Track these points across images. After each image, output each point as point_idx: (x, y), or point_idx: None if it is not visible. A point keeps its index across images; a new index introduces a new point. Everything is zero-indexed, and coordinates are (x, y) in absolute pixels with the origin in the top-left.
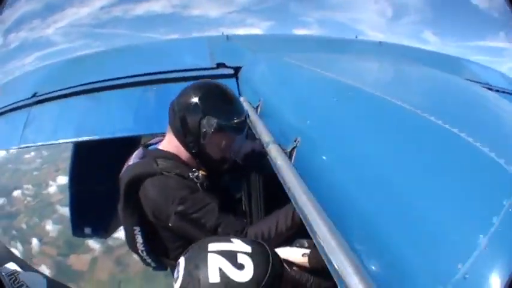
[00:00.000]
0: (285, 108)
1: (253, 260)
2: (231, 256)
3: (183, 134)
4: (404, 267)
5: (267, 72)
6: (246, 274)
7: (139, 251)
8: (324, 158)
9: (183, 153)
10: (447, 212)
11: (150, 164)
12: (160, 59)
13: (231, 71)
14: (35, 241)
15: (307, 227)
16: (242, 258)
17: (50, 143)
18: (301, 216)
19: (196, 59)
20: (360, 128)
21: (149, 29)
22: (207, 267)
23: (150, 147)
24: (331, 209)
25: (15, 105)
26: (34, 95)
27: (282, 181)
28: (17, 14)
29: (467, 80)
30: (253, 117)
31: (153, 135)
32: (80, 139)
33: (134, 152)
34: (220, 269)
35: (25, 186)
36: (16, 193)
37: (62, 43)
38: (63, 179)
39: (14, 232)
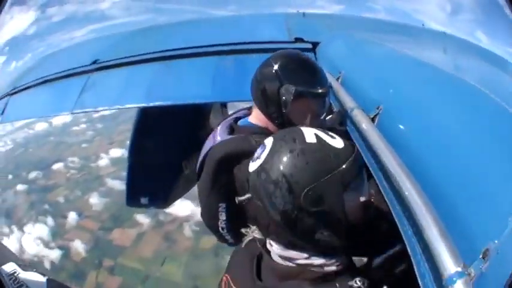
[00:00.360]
0: (366, 80)
1: (342, 139)
2: (324, 131)
3: (265, 105)
4: (463, 222)
5: (345, 47)
6: (339, 143)
7: (220, 228)
8: (402, 127)
9: (270, 126)
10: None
11: (248, 141)
12: (237, 31)
13: (309, 46)
14: (72, 215)
15: (395, 185)
16: (333, 135)
17: (114, 107)
18: (389, 175)
19: (274, 32)
20: (437, 101)
21: (217, 6)
22: (302, 132)
23: (240, 122)
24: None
25: (71, 72)
26: (94, 62)
27: (365, 144)
28: None
29: None
30: (336, 86)
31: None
32: (151, 104)
33: (212, 124)
34: (316, 134)
35: (70, 159)
36: (56, 166)
37: (121, 17)
38: (118, 152)
39: (46, 206)
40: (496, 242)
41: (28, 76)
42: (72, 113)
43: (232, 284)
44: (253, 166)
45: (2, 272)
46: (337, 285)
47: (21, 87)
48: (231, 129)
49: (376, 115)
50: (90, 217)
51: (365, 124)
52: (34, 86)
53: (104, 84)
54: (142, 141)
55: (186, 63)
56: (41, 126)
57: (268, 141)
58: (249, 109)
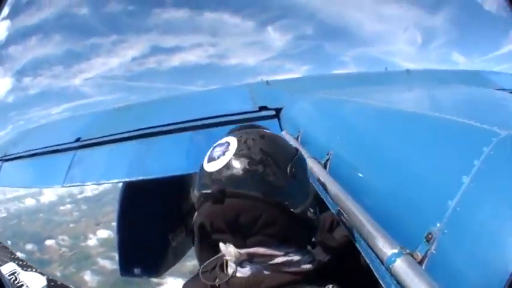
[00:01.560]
0: (320, 132)
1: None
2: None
3: None
4: (402, 216)
5: (304, 107)
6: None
7: None
8: (350, 164)
9: None
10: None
11: None
12: (205, 106)
13: (273, 112)
14: None
15: (340, 205)
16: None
17: (101, 182)
18: (334, 198)
19: (240, 104)
20: (380, 135)
21: (187, 81)
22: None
23: None
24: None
25: (56, 148)
26: (78, 140)
27: (320, 186)
28: (29, 55)
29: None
30: (295, 144)
31: None
32: (134, 179)
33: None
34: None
35: (60, 237)
36: (49, 242)
37: (94, 95)
38: (105, 233)
39: None
40: (439, 224)
41: (16, 147)
42: (63, 186)
43: None
44: (219, 163)
45: (2, 272)
46: (307, 286)
47: (12, 156)
48: None
49: (327, 160)
50: None
51: (316, 170)
52: (24, 157)
53: (89, 161)
54: (128, 216)
55: (162, 140)
56: (30, 202)
57: (229, 139)
58: None
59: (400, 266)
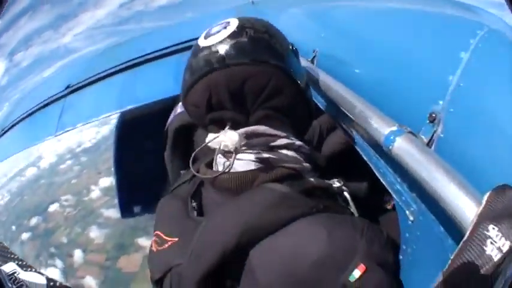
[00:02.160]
0: (305, 36)
1: None
2: None
3: None
4: (401, 97)
5: (290, 20)
6: None
7: None
8: (337, 58)
9: None
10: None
11: None
12: (193, 30)
13: None
14: (78, 252)
15: (334, 96)
16: None
17: (92, 120)
18: (331, 92)
19: None
20: (366, 29)
21: (176, 16)
22: None
23: None
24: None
25: (47, 101)
26: (67, 87)
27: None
28: (20, 34)
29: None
30: None
31: None
32: (124, 109)
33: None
34: None
35: (63, 197)
36: (53, 207)
37: (86, 47)
38: (107, 181)
39: (52, 249)
40: (441, 102)
41: (7, 120)
42: (55, 136)
43: (165, 237)
44: (221, 35)
45: (2, 272)
46: (312, 179)
47: (6, 128)
48: None
49: (313, 57)
50: (95, 251)
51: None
52: (13, 125)
53: (80, 104)
54: (124, 155)
55: (149, 67)
56: (31, 172)
57: (228, 19)
58: None
59: (401, 145)
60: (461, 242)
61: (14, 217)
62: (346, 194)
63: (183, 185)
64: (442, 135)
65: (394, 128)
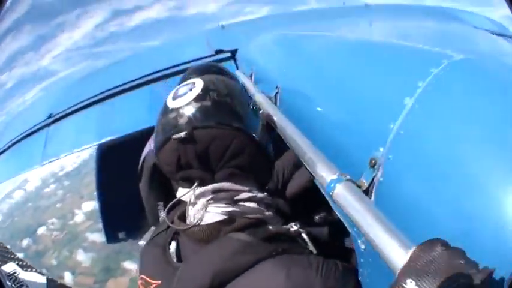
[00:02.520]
0: (269, 68)
1: None
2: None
3: None
4: (343, 144)
5: (256, 46)
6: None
7: None
8: (295, 95)
9: None
10: (376, 88)
11: None
12: (162, 59)
13: (229, 54)
14: (67, 275)
15: (287, 137)
16: None
17: (74, 151)
18: (284, 133)
19: (196, 50)
20: (329, 63)
21: (149, 37)
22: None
23: None
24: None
25: (31, 130)
26: (49, 116)
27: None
28: (5, 55)
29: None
30: (247, 82)
31: None
32: (103, 140)
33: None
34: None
35: (49, 221)
36: (41, 230)
37: (63, 70)
38: (90, 205)
39: (44, 271)
40: (382, 149)
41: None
42: (42, 165)
43: (150, 280)
44: (187, 97)
45: (2, 272)
46: (270, 227)
47: None
48: None
49: (276, 94)
50: (83, 273)
51: (266, 105)
52: (4, 150)
53: (61, 134)
54: (105, 182)
55: (124, 98)
56: (18, 194)
57: (193, 79)
58: None
59: (340, 192)
60: None
61: (7, 237)
62: (303, 235)
63: (162, 234)
64: (381, 179)
65: (335, 177)
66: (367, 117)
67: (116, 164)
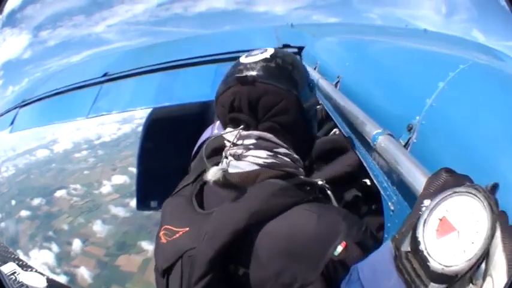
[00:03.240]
0: (332, 62)
1: None
2: None
3: None
4: (388, 112)
5: (323, 45)
6: None
7: None
8: (354, 82)
9: None
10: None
11: None
12: (232, 43)
13: (295, 50)
14: (77, 242)
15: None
16: None
17: (128, 109)
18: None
19: (264, 42)
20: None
21: (214, 27)
22: None
23: None
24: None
25: (81, 84)
26: (105, 75)
27: (330, 102)
28: (48, 11)
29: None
30: (312, 71)
31: None
32: (160, 105)
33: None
34: None
35: (72, 186)
36: (59, 193)
37: (118, 41)
38: (121, 178)
39: (50, 233)
40: (418, 118)
41: (36, 91)
42: (87, 118)
43: (176, 229)
44: (258, 57)
45: (2, 272)
46: (302, 177)
47: (31, 100)
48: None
49: (337, 82)
50: (95, 243)
51: (329, 90)
52: (45, 97)
53: (116, 92)
54: (150, 149)
55: (188, 71)
56: (42, 153)
57: (268, 48)
58: None
59: (383, 141)
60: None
61: (15, 191)
62: (328, 191)
63: (187, 187)
64: (415, 141)
65: (379, 130)
66: (409, 95)
67: (165, 133)
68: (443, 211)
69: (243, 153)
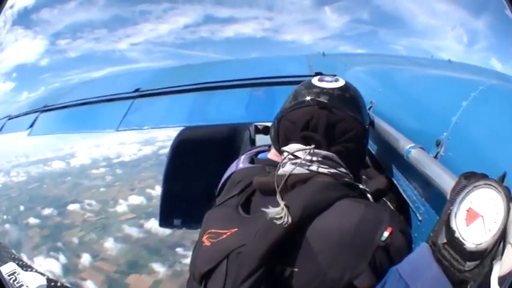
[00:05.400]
0: (365, 88)
1: None
2: None
3: None
4: (417, 127)
5: (354, 73)
6: None
7: None
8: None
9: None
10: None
11: (264, 170)
12: (265, 69)
13: None
14: (86, 256)
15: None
16: None
17: (160, 126)
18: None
19: (297, 68)
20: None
21: (241, 53)
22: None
23: (259, 155)
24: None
25: (112, 97)
26: (136, 90)
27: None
28: (67, 19)
29: None
30: None
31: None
32: (192, 124)
33: (237, 157)
34: None
35: (87, 201)
36: (73, 207)
37: (143, 61)
38: (138, 199)
39: (59, 244)
40: (445, 134)
41: (58, 99)
42: (117, 130)
43: (222, 231)
44: (334, 84)
45: (2, 272)
46: (347, 179)
47: (54, 106)
48: (251, 160)
49: (370, 107)
50: (106, 260)
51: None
52: (71, 106)
53: (148, 108)
54: (177, 169)
55: (222, 93)
56: (58, 165)
57: (336, 77)
58: (269, 147)
59: (414, 154)
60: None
61: (26, 198)
62: (368, 195)
63: (232, 198)
64: (442, 154)
65: (412, 144)
66: (437, 113)
67: (193, 153)
68: (469, 203)
69: (306, 163)
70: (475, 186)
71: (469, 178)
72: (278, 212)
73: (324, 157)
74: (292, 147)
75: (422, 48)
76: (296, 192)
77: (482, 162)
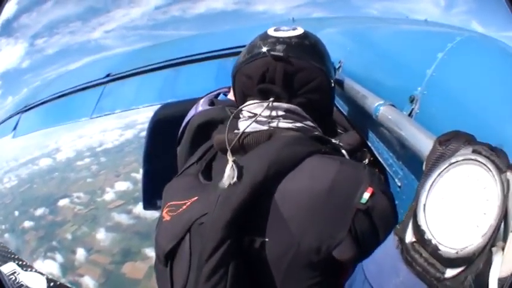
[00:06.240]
0: (334, 49)
1: None
2: None
3: None
4: (392, 85)
5: (324, 34)
6: None
7: None
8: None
9: None
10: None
11: (224, 111)
12: (233, 40)
13: None
14: (81, 251)
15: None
16: None
17: (132, 108)
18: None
19: None
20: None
21: (214, 28)
22: None
23: (219, 97)
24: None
25: (84, 85)
26: (108, 75)
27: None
28: (44, 19)
29: None
30: None
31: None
32: (165, 102)
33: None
34: None
35: (75, 194)
36: (63, 202)
37: (118, 46)
38: (124, 185)
39: (54, 243)
40: (419, 88)
41: (37, 96)
42: (91, 118)
43: (181, 202)
44: (291, 32)
45: (2, 272)
46: (318, 133)
47: (33, 104)
48: (211, 103)
49: (339, 67)
50: (100, 252)
51: None
52: (47, 101)
53: (119, 92)
54: (155, 149)
55: (191, 68)
56: (45, 162)
57: (297, 27)
58: (228, 88)
59: (384, 112)
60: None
61: (19, 202)
62: (343, 150)
63: (191, 166)
64: (418, 111)
65: (381, 101)
66: (410, 68)
67: (170, 131)
68: (442, 189)
69: (267, 120)
70: (451, 164)
71: (447, 143)
72: (230, 173)
73: (286, 110)
74: (249, 103)
75: (397, 11)
76: (258, 149)
77: (462, 120)
